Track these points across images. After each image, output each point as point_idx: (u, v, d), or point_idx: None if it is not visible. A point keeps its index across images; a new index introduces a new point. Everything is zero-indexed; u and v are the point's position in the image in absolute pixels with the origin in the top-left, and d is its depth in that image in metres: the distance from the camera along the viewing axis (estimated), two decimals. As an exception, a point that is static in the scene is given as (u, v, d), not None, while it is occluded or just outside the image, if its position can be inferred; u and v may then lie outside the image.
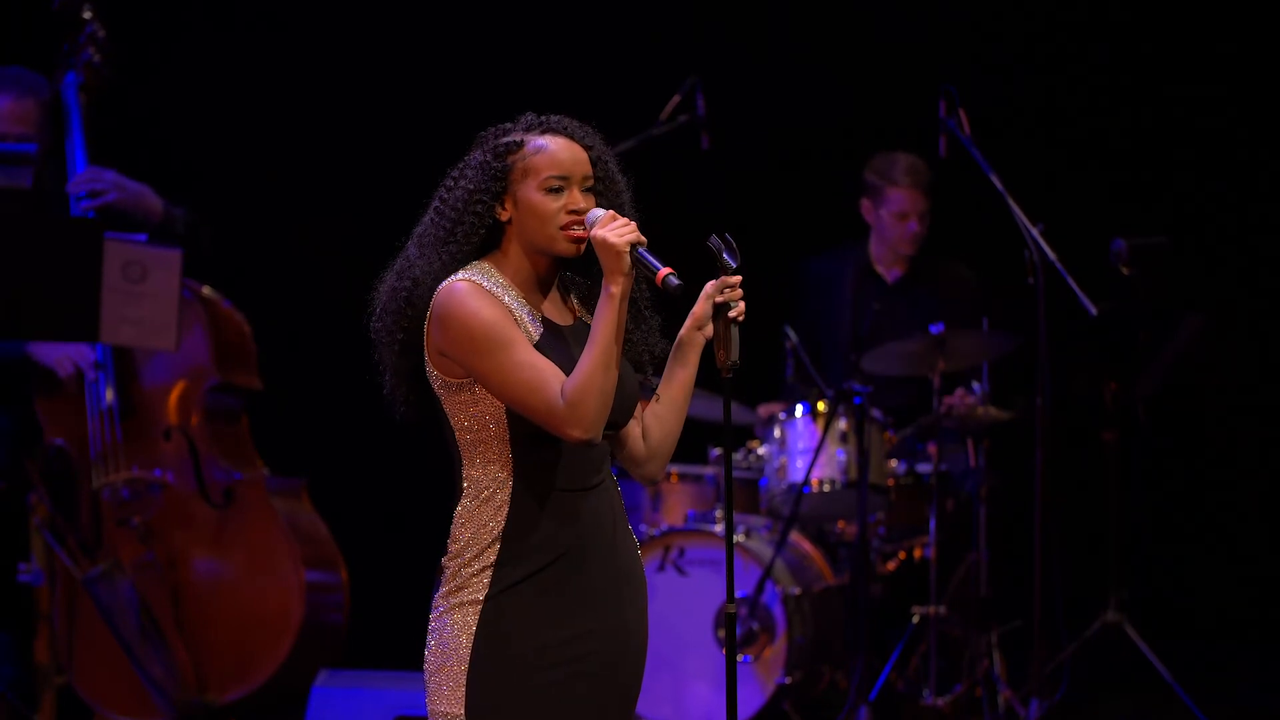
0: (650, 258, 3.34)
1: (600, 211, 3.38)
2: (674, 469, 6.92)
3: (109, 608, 5.93)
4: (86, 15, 6.11)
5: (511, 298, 3.36)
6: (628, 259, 3.31)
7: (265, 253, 7.51)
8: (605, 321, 3.29)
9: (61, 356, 5.98)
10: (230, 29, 7.68)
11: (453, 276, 3.34)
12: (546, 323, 3.40)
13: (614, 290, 3.30)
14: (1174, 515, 8.25)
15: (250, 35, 7.70)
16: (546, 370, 3.29)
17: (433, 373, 3.36)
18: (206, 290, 6.18)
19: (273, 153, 7.64)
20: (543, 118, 3.44)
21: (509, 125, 3.45)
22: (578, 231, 3.38)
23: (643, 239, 3.34)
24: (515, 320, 3.33)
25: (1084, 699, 6.78)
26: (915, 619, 6.48)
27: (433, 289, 3.34)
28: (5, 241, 5.17)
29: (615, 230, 3.31)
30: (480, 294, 3.32)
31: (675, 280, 3.33)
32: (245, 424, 6.25)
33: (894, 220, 6.91)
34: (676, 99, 6.78)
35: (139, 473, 6.03)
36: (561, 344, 3.39)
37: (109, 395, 6.01)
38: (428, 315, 3.35)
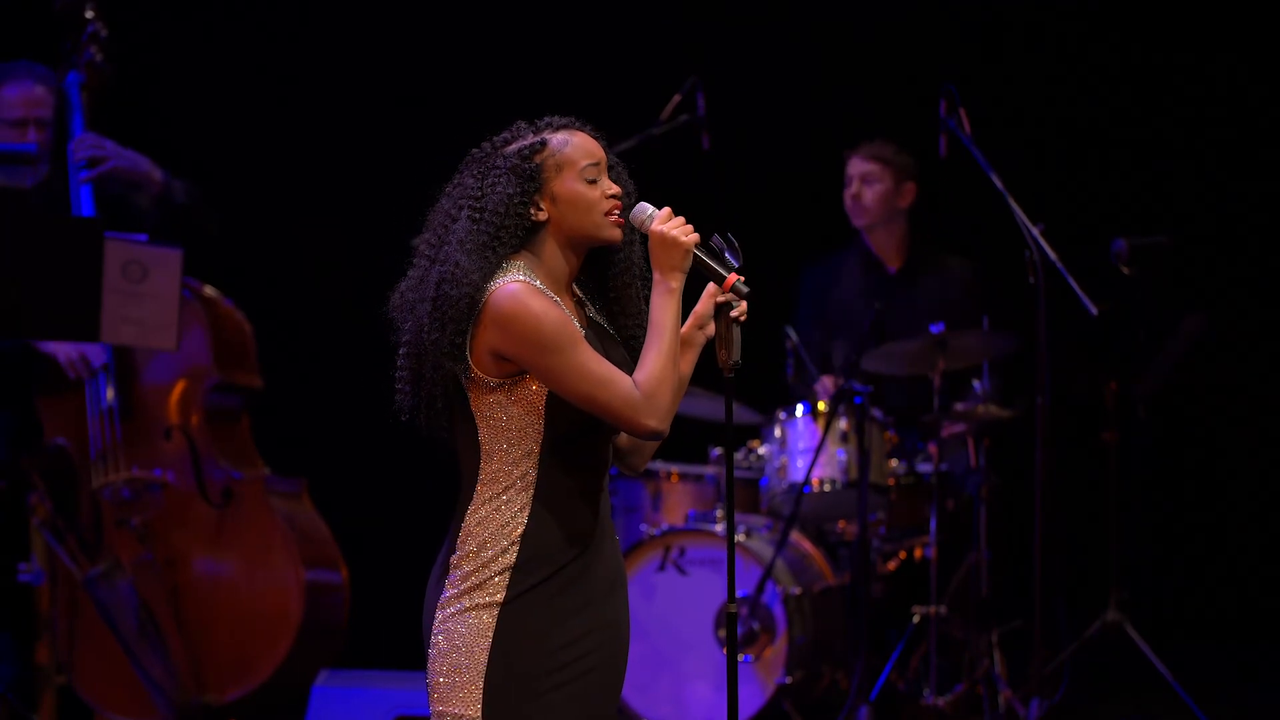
0: (713, 261, 3.39)
1: (651, 207, 3.41)
2: (674, 469, 6.92)
3: (109, 608, 5.93)
4: (88, 15, 6.12)
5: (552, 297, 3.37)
6: (691, 258, 3.35)
7: (265, 252, 7.51)
8: (669, 315, 3.34)
9: (71, 349, 5.98)
10: (232, 30, 7.68)
11: (499, 279, 3.34)
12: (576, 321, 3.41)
13: (674, 286, 3.36)
14: (1174, 515, 8.25)
15: (251, 36, 7.70)
16: (614, 366, 3.32)
17: (474, 374, 3.34)
18: (207, 290, 6.18)
19: (274, 153, 7.64)
20: (547, 119, 3.45)
21: (506, 136, 3.45)
22: (619, 218, 3.41)
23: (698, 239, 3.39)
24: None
25: (1084, 699, 6.78)
26: (915, 619, 6.47)
27: (485, 292, 3.33)
28: (5, 241, 5.16)
29: (680, 228, 3.36)
30: (539, 294, 3.33)
31: (745, 286, 3.38)
32: (245, 423, 6.24)
33: (846, 193, 6.91)
34: (676, 99, 6.77)
35: (139, 473, 6.03)
36: (597, 342, 3.40)
37: (109, 395, 6.00)
38: (475, 318, 3.33)
